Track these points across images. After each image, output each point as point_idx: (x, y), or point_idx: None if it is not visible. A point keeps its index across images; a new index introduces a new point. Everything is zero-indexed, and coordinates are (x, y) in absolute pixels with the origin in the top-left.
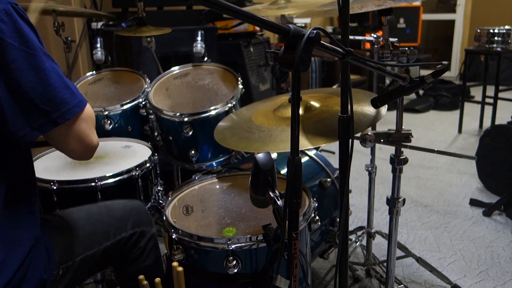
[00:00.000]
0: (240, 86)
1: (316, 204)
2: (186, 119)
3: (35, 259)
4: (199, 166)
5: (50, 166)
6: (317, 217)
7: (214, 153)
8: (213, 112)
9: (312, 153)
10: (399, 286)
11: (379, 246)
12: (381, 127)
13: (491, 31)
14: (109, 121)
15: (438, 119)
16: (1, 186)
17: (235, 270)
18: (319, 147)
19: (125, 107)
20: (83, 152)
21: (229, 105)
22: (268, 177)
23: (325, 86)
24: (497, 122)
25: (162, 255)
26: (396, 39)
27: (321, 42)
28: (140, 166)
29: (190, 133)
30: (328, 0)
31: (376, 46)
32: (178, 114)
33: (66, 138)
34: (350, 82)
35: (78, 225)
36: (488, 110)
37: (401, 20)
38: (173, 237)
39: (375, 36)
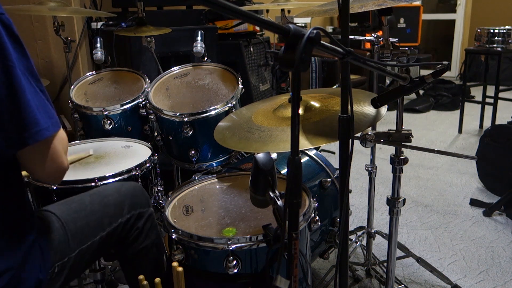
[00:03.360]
0: (240, 86)
1: (316, 204)
2: (186, 119)
3: (31, 261)
4: (199, 166)
5: None
6: (317, 217)
7: (214, 153)
8: (213, 112)
9: (312, 153)
10: (399, 286)
11: (379, 246)
12: (381, 127)
13: (492, 31)
14: (109, 121)
15: (438, 119)
16: None
17: (235, 270)
18: (319, 147)
19: (125, 107)
20: (53, 172)
21: (229, 105)
22: (268, 177)
23: (325, 86)
24: (497, 122)
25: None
26: (396, 39)
27: (321, 42)
28: (140, 166)
29: (190, 133)
30: None
31: (376, 46)
32: (178, 114)
33: (39, 157)
34: (350, 82)
35: (70, 220)
36: (489, 110)
37: (401, 20)
38: (173, 237)
39: (375, 36)
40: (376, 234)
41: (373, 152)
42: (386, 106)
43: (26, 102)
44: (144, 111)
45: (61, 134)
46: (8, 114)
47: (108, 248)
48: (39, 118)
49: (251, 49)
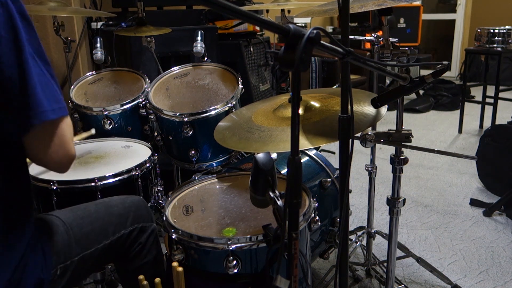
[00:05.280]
0: (240, 86)
1: (316, 204)
2: (186, 119)
3: (32, 260)
4: (199, 166)
5: None
6: (317, 217)
7: (214, 153)
8: (213, 112)
9: (312, 153)
10: (399, 286)
11: (379, 246)
12: (381, 127)
13: (492, 31)
14: (109, 121)
15: (438, 119)
16: None
17: (235, 270)
18: (319, 147)
19: (125, 107)
20: (60, 159)
21: (229, 105)
22: (268, 177)
23: (325, 86)
24: (497, 122)
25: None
26: (396, 39)
27: (321, 42)
28: (140, 166)
29: (190, 133)
30: None
31: (376, 46)
32: (178, 114)
33: (46, 140)
34: (350, 82)
35: (75, 225)
36: (489, 110)
37: (401, 20)
38: (173, 237)
39: (375, 36)
40: (376, 234)
41: (373, 152)
42: (386, 106)
43: (32, 83)
44: (144, 111)
45: (69, 121)
46: (16, 94)
47: (110, 259)
48: (43, 100)
49: (251, 49)
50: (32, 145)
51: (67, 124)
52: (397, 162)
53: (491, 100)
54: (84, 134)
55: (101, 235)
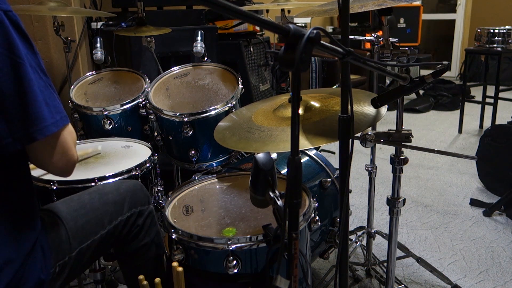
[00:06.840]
0: (240, 86)
1: (316, 204)
2: (186, 119)
3: (32, 261)
4: (199, 166)
5: None
6: (317, 217)
7: (214, 153)
8: (213, 112)
9: (312, 153)
10: (399, 286)
11: (379, 246)
12: (381, 127)
13: (492, 31)
14: (109, 121)
15: (438, 119)
16: None
17: (235, 270)
18: (319, 147)
19: (125, 107)
20: (64, 165)
21: (229, 105)
22: (268, 177)
23: (325, 86)
24: (497, 122)
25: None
26: (396, 39)
27: (321, 42)
28: (140, 166)
29: (190, 133)
30: None
31: (376, 46)
32: (178, 114)
33: (49, 150)
34: (350, 82)
35: (70, 219)
36: (489, 110)
37: (401, 20)
38: (173, 237)
39: (375, 36)
40: (376, 234)
41: (373, 152)
42: (386, 106)
43: (34, 98)
44: (144, 111)
45: (70, 127)
46: (16, 109)
47: (108, 247)
48: (46, 114)
49: (251, 49)
50: (34, 153)
51: (68, 131)
52: (397, 162)
53: (491, 100)
54: (90, 150)
55: (98, 225)
